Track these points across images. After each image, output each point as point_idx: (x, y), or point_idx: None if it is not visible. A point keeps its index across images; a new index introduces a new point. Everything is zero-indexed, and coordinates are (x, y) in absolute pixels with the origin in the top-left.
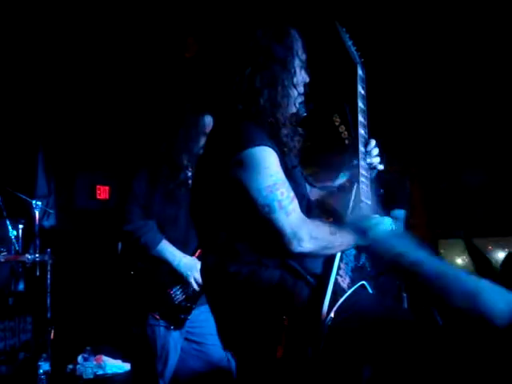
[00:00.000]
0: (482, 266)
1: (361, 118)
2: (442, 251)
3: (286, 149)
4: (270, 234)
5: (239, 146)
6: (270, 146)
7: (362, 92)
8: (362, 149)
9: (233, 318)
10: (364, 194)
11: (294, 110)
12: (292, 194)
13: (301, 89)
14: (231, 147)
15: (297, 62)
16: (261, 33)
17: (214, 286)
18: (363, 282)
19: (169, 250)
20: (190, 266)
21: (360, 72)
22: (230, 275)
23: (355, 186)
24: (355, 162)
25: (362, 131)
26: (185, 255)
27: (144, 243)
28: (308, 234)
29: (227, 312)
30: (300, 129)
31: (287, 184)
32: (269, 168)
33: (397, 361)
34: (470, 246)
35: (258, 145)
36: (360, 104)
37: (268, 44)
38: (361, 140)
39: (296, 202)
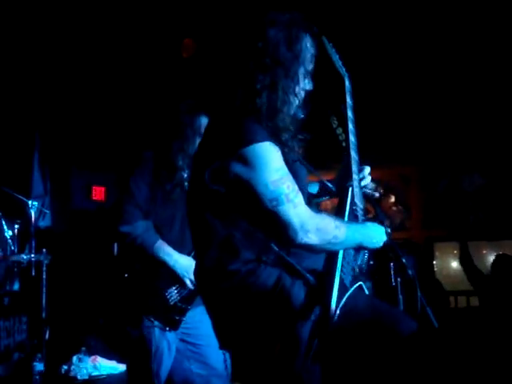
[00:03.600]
0: (472, 274)
1: (351, 126)
2: (437, 254)
3: (286, 149)
4: (276, 226)
5: (241, 143)
6: (272, 142)
7: (350, 102)
8: (353, 155)
9: (230, 318)
10: (357, 198)
11: (292, 115)
12: (297, 187)
13: (301, 96)
14: (232, 143)
15: (301, 70)
16: (273, 33)
17: (212, 285)
18: (361, 283)
19: (165, 250)
20: (186, 266)
21: (347, 84)
22: (228, 273)
23: (350, 190)
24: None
25: (352, 139)
26: (181, 255)
27: (140, 243)
28: (314, 226)
29: (224, 311)
30: (300, 135)
31: (291, 177)
32: (274, 163)
33: (388, 365)
34: (464, 253)
35: (261, 141)
36: (349, 113)
37: (276, 47)
38: (352, 147)
39: (301, 194)
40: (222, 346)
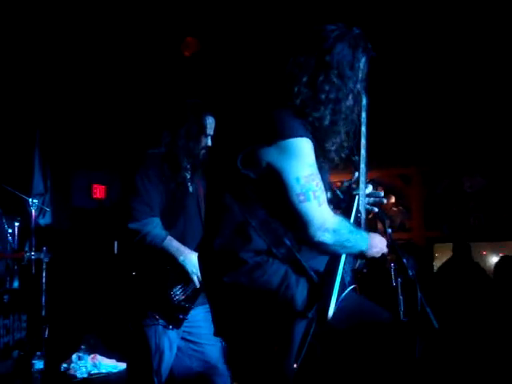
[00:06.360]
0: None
1: (363, 141)
2: (437, 255)
3: (321, 158)
4: (298, 220)
5: (282, 134)
6: (310, 139)
7: (365, 118)
8: (362, 167)
9: (231, 309)
10: (361, 206)
11: (344, 130)
12: (323, 185)
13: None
14: (273, 133)
15: (357, 88)
16: (339, 48)
17: (217, 271)
18: (355, 286)
19: (174, 246)
20: (195, 262)
21: (364, 101)
22: (236, 261)
23: (357, 198)
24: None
25: (363, 152)
26: (190, 251)
27: (150, 240)
28: (332, 226)
29: (226, 301)
30: (342, 150)
31: (320, 176)
32: (308, 158)
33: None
34: (460, 248)
35: (301, 136)
36: (363, 129)
37: (341, 63)
38: (362, 160)
39: (325, 194)
40: (216, 334)
